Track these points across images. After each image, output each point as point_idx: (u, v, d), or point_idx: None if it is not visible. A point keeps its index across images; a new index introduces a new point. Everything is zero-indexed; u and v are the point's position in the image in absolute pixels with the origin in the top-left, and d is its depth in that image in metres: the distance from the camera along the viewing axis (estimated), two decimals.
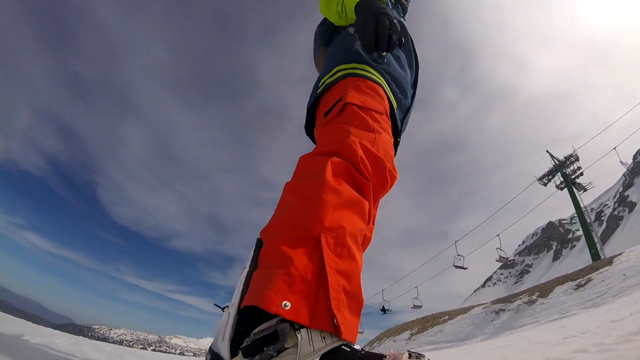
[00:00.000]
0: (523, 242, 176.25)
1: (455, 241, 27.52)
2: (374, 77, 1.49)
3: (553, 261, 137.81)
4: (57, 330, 4.62)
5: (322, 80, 1.53)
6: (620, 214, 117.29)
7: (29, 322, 4.21)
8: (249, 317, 0.90)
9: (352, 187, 1.15)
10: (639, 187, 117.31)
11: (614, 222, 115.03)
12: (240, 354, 0.85)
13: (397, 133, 1.62)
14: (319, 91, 1.52)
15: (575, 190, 28.59)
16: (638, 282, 10.10)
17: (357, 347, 0.94)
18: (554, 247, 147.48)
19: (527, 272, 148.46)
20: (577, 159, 29.60)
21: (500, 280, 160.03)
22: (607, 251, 29.17)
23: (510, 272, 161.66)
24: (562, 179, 30.08)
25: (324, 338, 0.89)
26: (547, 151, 31.47)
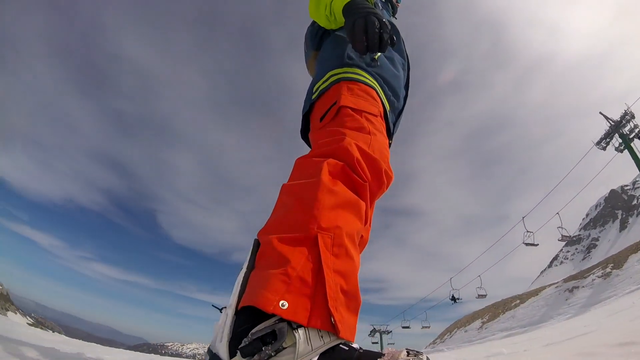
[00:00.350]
0: (587, 214, 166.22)
1: (522, 217, 24.57)
2: (367, 80, 1.50)
3: (620, 231, 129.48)
4: (120, 349, 5.04)
5: (316, 86, 1.56)
6: None
7: (92, 343, 4.60)
8: (246, 317, 0.91)
9: (348, 187, 1.16)
10: None
11: None
12: (238, 354, 0.86)
13: (389, 135, 1.63)
14: (313, 97, 1.54)
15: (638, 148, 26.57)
16: None
17: (355, 345, 0.94)
18: (620, 216, 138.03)
19: (594, 246, 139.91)
20: (633, 117, 27.45)
21: (567, 258, 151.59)
22: None
23: (576, 249, 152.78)
24: (620, 140, 28.14)
25: (322, 337, 0.90)
26: (601, 112, 28.91)
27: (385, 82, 1.59)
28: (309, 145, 1.67)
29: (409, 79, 1.88)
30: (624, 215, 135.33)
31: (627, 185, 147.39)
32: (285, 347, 0.85)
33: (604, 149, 29.46)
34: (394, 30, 1.80)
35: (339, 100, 1.39)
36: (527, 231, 23.65)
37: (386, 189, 1.35)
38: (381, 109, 1.50)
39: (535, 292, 20.31)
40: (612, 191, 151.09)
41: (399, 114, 1.78)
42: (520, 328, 15.08)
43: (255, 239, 1.08)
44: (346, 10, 1.51)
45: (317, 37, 1.98)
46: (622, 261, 14.28)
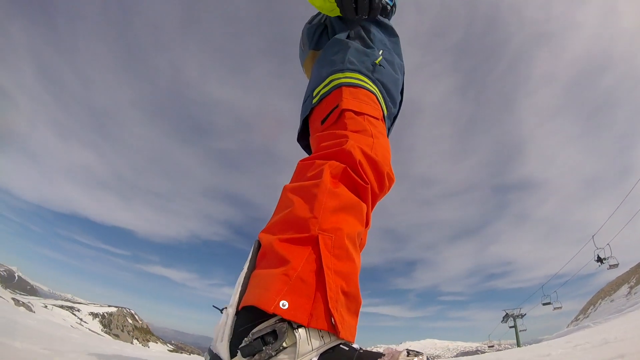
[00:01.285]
0: None
1: None
2: (368, 85, 1.49)
3: None
4: None
5: (317, 90, 1.55)
6: None
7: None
8: (247, 317, 0.92)
9: (350, 190, 1.15)
10: None
11: None
12: (239, 353, 0.88)
13: None
14: (314, 101, 1.54)
15: None
16: None
17: (355, 346, 0.92)
18: None
19: None
20: None
21: None
22: None
23: None
24: None
25: (322, 337, 0.90)
26: None
27: (384, 88, 1.58)
28: (305, 150, 1.72)
29: (403, 84, 1.82)
30: None
31: None
32: (286, 347, 0.88)
33: None
34: (392, 30, 1.82)
35: (340, 104, 1.39)
36: None
37: (388, 191, 1.35)
38: (381, 113, 1.51)
39: None
40: None
41: (393, 120, 1.77)
42: None
43: (256, 240, 1.09)
44: None
45: (315, 36, 1.95)
46: None
